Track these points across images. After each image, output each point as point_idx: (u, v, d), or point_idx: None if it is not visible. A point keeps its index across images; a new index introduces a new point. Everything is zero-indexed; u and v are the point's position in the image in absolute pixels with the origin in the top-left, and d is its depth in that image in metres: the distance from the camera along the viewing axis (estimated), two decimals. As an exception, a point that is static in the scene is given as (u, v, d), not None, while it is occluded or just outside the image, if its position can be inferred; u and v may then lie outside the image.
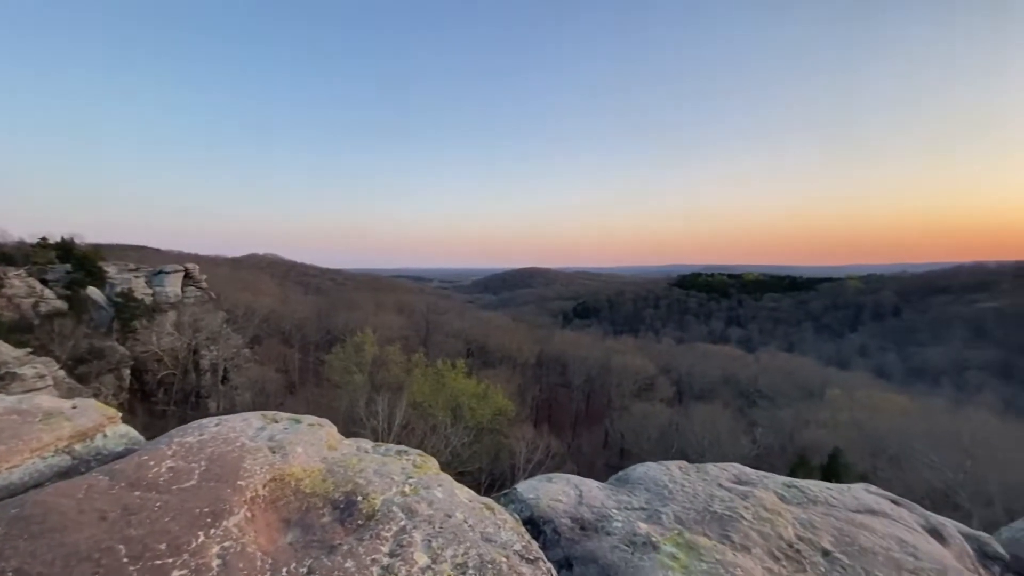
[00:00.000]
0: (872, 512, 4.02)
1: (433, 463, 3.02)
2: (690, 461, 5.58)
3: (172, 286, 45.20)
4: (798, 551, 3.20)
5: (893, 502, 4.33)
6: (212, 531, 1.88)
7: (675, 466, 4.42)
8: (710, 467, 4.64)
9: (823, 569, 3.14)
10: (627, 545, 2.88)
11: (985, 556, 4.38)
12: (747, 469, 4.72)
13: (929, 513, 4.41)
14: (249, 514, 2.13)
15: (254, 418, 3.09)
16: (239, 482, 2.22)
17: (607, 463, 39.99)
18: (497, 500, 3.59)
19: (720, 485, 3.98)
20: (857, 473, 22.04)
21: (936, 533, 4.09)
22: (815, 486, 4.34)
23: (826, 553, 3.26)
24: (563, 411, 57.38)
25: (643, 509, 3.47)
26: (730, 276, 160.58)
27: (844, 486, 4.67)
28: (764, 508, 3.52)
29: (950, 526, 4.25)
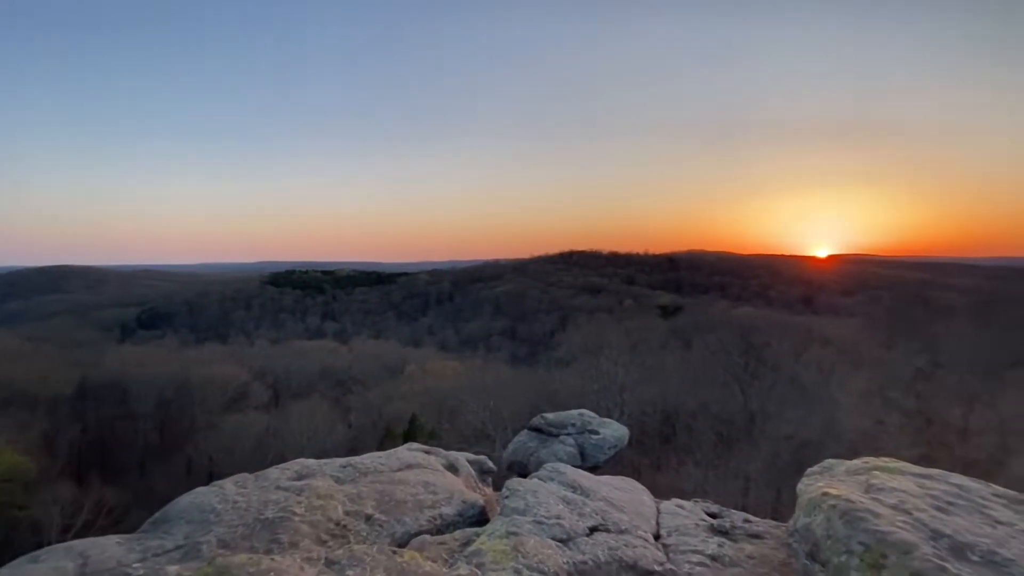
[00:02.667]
0: (410, 466, 4.91)
1: None
2: (287, 461, 5.33)
3: None
4: (344, 526, 3.53)
5: (426, 452, 5.42)
6: None
7: (230, 483, 4.09)
8: (272, 471, 4.54)
9: (365, 533, 3.58)
10: (146, 602, 2.42)
11: (483, 472, 6.08)
12: (309, 461, 4.89)
13: (450, 452, 5.75)
14: None
15: None
16: None
17: (190, 495, 33.83)
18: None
19: (278, 487, 3.95)
20: (427, 431, 26.96)
21: (453, 467, 5.36)
22: (368, 459, 4.94)
23: (369, 518, 3.74)
24: (125, 449, 44.79)
25: (179, 547, 3.02)
26: (324, 272, 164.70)
27: (393, 450, 5.51)
28: (317, 496, 3.71)
29: (461, 458, 5.68)
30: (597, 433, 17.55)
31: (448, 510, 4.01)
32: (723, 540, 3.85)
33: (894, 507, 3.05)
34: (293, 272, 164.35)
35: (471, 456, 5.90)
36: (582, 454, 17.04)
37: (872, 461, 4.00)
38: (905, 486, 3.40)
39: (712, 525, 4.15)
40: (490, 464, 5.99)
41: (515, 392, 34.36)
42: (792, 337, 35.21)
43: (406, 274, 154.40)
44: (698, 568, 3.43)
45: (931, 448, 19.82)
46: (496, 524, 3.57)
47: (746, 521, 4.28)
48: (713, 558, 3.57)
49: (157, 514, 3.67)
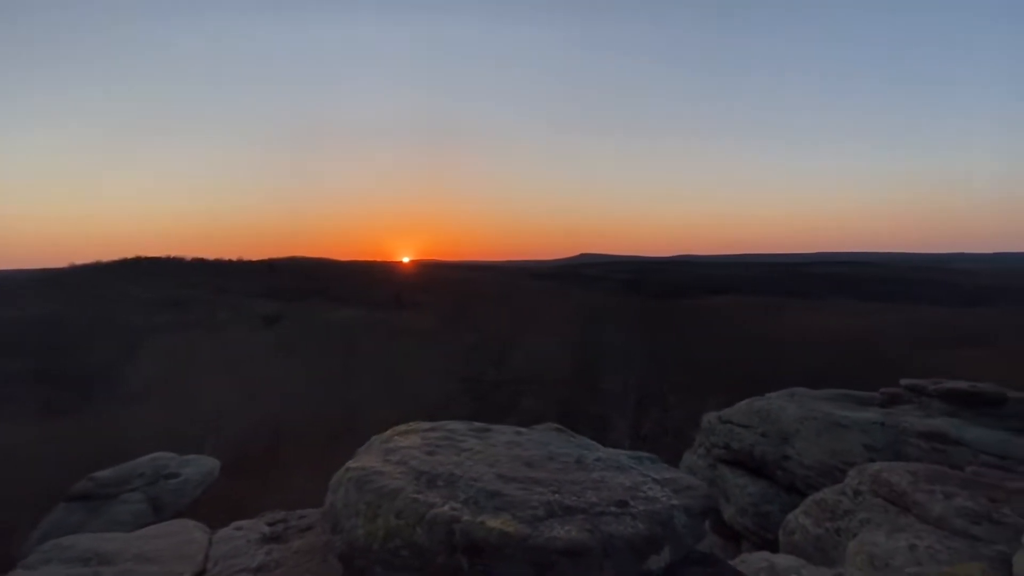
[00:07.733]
0: None
1: None
2: None
3: None
4: None
5: None
6: None
7: None
8: None
9: None
10: None
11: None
12: None
13: None
14: None
15: None
16: None
17: None
18: None
19: None
20: None
21: None
22: None
23: None
24: None
25: None
26: None
27: None
28: None
29: None
30: (177, 475, 14.82)
31: None
32: (273, 546, 3.95)
33: (397, 462, 3.85)
34: None
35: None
36: (156, 507, 14.03)
37: (397, 428, 4.93)
38: (412, 442, 4.35)
39: (265, 535, 4.21)
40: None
41: (48, 456, 24.93)
42: (385, 332, 39.72)
43: None
44: (240, 586, 3.41)
45: (479, 403, 26.58)
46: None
47: (301, 517, 4.55)
48: (258, 569, 3.62)
49: None
